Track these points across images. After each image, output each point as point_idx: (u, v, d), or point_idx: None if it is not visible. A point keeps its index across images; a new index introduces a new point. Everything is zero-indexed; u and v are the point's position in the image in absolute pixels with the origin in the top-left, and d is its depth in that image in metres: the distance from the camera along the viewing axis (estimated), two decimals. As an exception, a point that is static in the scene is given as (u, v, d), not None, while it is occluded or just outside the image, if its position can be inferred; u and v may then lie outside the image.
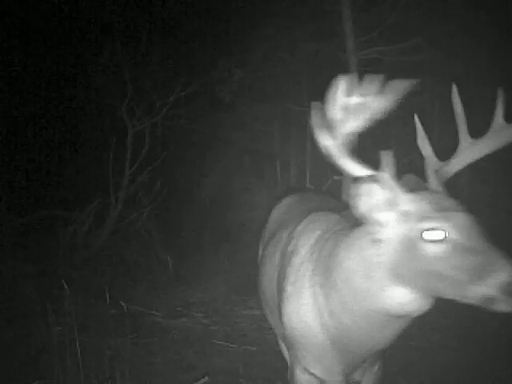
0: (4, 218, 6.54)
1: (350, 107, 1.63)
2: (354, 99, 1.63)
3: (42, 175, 7.93)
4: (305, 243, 2.08)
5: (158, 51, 6.95)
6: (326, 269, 1.88)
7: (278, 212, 2.93)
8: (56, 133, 8.27)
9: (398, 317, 1.74)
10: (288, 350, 2.17)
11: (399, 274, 1.63)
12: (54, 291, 4.46)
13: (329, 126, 1.66)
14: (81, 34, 7.83)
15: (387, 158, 1.63)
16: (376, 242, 1.67)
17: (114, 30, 6.99)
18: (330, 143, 1.67)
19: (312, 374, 2.07)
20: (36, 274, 5.36)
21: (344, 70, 5.81)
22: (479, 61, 5.93)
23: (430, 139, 1.87)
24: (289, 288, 2.02)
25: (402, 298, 1.66)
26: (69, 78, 8.11)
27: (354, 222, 1.91)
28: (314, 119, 1.68)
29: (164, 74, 6.99)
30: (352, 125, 1.64)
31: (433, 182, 1.74)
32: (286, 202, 2.97)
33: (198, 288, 5.36)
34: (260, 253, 2.98)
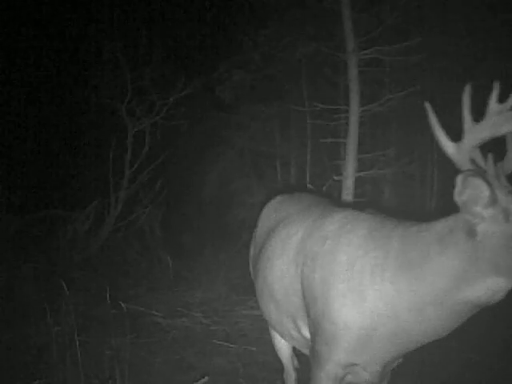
0: (4, 217, 6.54)
1: (497, 114, 1.77)
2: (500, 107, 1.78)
3: (42, 175, 7.93)
4: (350, 242, 2.11)
5: (157, 51, 6.95)
6: (401, 266, 1.93)
7: (270, 211, 2.92)
8: (56, 133, 8.27)
9: (480, 306, 1.84)
10: (320, 345, 2.15)
11: (499, 265, 1.74)
12: (53, 291, 4.45)
13: (469, 129, 1.80)
14: (81, 34, 7.83)
15: (490, 158, 1.79)
16: (472, 234, 1.77)
17: (115, 30, 6.99)
18: (456, 148, 1.83)
19: (350, 366, 2.11)
20: (36, 274, 5.36)
21: (344, 69, 5.82)
22: (479, 61, 5.93)
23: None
24: (341, 285, 2.05)
25: (496, 287, 1.78)
26: (69, 78, 8.11)
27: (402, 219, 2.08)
28: (433, 121, 1.86)
29: (164, 74, 6.99)
30: (492, 131, 1.78)
31: (503, 182, 1.85)
32: (277, 201, 2.97)
33: (198, 288, 5.36)
34: (252, 252, 2.97)
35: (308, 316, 2.24)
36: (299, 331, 2.36)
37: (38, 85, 8.26)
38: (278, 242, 2.50)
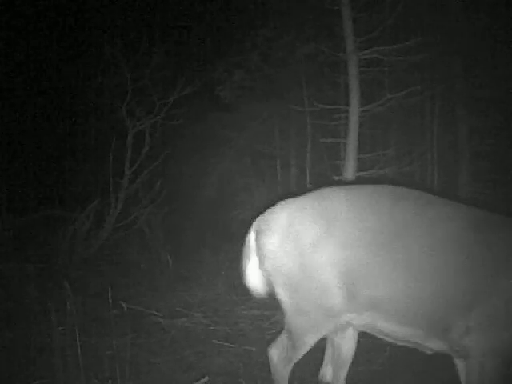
0: (4, 217, 6.54)
1: None
2: None
3: (42, 175, 7.94)
4: None
5: (158, 51, 6.96)
6: None
7: (350, 202, 2.62)
8: (56, 133, 8.28)
9: None
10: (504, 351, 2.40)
11: None
12: (54, 291, 4.46)
13: None
14: (81, 34, 7.84)
15: None
16: None
17: (115, 30, 7.00)
18: None
19: None
20: (36, 273, 5.36)
21: (344, 69, 5.82)
22: (478, 60, 5.94)
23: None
24: None
25: None
26: (69, 79, 8.12)
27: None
28: None
29: (164, 74, 7.00)
30: None
31: None
32: (347, 190, 2.77)
33: (198, 288, 5.36)
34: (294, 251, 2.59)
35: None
36: (462, 320, 2.46)
37: (38, 85, 8.27)
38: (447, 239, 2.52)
